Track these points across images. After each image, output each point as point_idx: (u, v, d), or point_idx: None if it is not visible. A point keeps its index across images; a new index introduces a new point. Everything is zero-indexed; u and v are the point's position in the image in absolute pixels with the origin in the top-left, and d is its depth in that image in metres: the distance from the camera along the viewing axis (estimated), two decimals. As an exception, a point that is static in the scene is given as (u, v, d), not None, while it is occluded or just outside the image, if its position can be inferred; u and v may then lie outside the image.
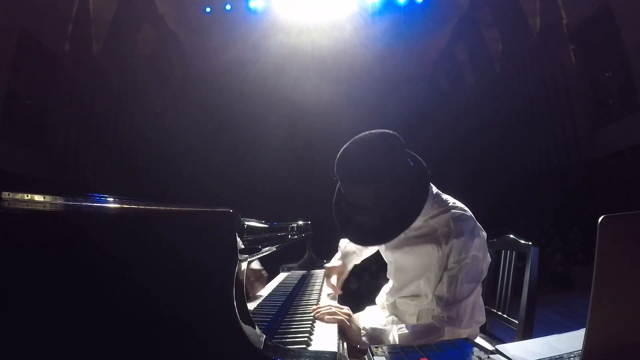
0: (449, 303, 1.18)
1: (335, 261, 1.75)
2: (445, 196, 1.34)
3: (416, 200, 1.20)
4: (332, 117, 7.85)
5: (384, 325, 1.25)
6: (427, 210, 1.27)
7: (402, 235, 1.28)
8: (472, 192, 1.40)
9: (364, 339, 1.21)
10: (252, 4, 7.67)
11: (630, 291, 0.64)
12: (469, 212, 1.27)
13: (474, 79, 9.58)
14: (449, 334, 1.16)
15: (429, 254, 1.26)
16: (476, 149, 8.60)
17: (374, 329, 1.23)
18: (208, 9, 7.89)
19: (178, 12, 8.14)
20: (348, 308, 1.27)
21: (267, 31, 7.79)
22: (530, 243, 1.53)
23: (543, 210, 7.41)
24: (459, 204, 1.31)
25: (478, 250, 1.21)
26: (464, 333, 1.19)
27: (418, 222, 1.27)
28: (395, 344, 1.17)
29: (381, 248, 1.46)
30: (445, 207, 1.28)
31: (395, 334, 1.19)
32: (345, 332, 1.18)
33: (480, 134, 8.60)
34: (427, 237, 1.27)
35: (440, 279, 1.23)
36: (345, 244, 1.77)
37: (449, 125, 8.50)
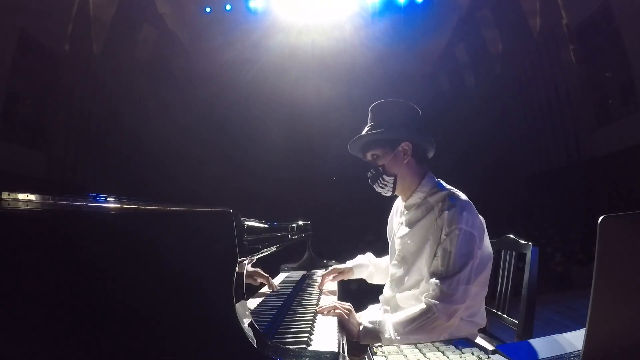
0: (441, 276, 1.21)
1: (345, 264, 1.76)
2: (448, 185, 1.41)
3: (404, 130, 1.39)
4: (332, 117, 7.85)
5: (380, 318, 1.25)
6: (427, 189, 1.38)
7: (405, 217, 1.42)
8: (472, 192, 1.41)
9: (362, 336, 1.23)
10: (252, 4, 7.68)
11: (630, 291, 0.64)
12: (466, 198, 1.33)
13: (474, 79, 9.59)
14: (442, 311, 1.17)
15: (426, 227, 1.33)
16: (476, 149, 8.61)
17: (371, 324, 1.23)
18: (208, 9, 7.90)
19: (178, 12, 8.14)
20: (350, 304, 1.29)
21: (267, 31, 7.79)
22: (530, 243, 1.53)
23: (543, 210, 7.42)
24: (459, 192, 1.37)
25: (467, 224, 1.24)
26: (458, 309, 1.19)
27: (417, 199, 1.38)
28: (393, 339, 1.18)
29: (393, 238, 1.51)
30: (444, 188, 1.37)
31: (390, 326, 1.20)
32: (344, 325, 1.21)
33: (480, 134, 8.61)
34: (426, 213, 1.35)
35: (435, 255, 1.27)
36: (360, 257, 1.79)
37: (449, 125, 8.51)
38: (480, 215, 1.32)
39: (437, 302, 1.18)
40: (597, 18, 6.48)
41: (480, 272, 1.30)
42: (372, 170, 1.41)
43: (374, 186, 1.43)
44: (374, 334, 1.22)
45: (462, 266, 1.20)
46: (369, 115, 1.45)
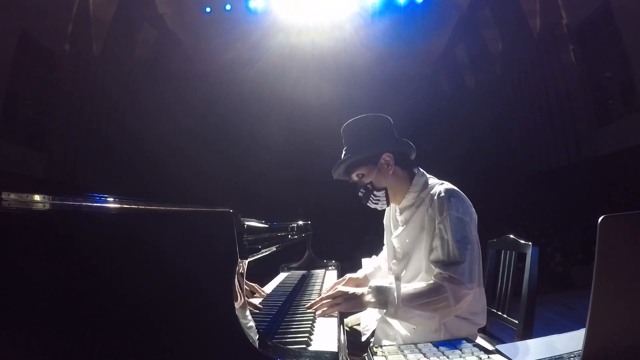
0: (445, 264, 1.22)
1: (358, 274, 1.74)
2: (437, 179, 1.44)
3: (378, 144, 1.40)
4: (332, 117, 7.83)
5: (389, 284, 1.24)
6: (418, 188, 1.41)
7: (401, 218, 1.44)
8: (472, 192, 1.43)
9: (368, 297, 1.23)
10: (252, 4, 7.67)
11: (630, 291, 0.64)
12: (455, 187, 1.36)
13: (474, 79, 9.59)
14: (451, 292, 1.17)
15: (420, 220, 1.36)
16: (476, 149, 8.61)
17: (378, 287, 1.23)
18: (208, 9, 7.89)
19: (178, 12, 8.14)
20: (336, 289, 1.32)
21: (267, 31, 7.79)
22: (530, 243, 1.53)
23: (543, 210, 7.41)
24: (448, 183, 1.40)
25: (458, 211, 1.26)
26: (467, 294, 1.19)
27: (411, 199, 1.41)
28: (397, 306, 1.18)
29: (392, 237, 1.52)
30: (436, 182, 1.41)
31: (398, 292, 1.20)
32: (348, 311, 1.25)
33: (480, 134, 8.61)
34: (420, 207, 1.39)
35: (434, 246, 1.29)
36: (367, 262, 1.79)
37: (449, 125, 8.51)
38: (472, 205, 1.34)
39: (447, 282, 1.18)
40: (597, 18, 6.48)
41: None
42: (362, 190, 1.44)
43: (368, 204, 1.45)
44: (382, 299, 1.21)
45: (462, 252, 1.22)
46: (343, 139, 1.46)
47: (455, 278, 1.18)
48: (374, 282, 1.28)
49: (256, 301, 1.36)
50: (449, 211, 1.25)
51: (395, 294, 1.20)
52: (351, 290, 1.29)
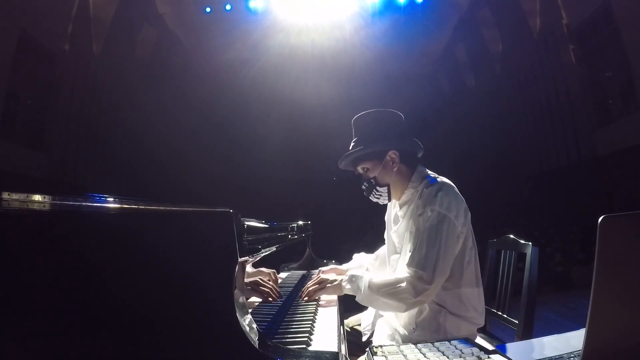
0: (411, 257, 1.29)
1: (342, 266, 1.80)
2: (434, 174, 1.48)
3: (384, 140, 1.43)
4: (332, 117, 7.84)
5: (361, 273, 1.39)
6: (417, 184, 1.44)
7: (400, 213, 1.48)
8: (472, 192, 1.44)
9: (344, 284, 1.38)
10: (252, 4, 7.66)
11: (630, 291, 0.64)
12: (452, 184, 1.40)
13: (474, 79, 9.58)
14: (410, 285, 1.24)
15: (414, 214, 1.40)
16: (476, 149, 8.61)
17: (352, 276, 1.37)
18: (208, 9, 7.88)
19: (178, 12, 8.13)
20: (320, 277, 1.46)
21: (267, 31, 7.78)
22: (530, 243, 1.53)
23: (543, 210, 7.41)
24: (442, 177, 1.45)
25: (441, 206, 1.29)
26: (427, 289, 1.24)
27: (410, 195, 1.45)
28: (363, 292, 1.32)
29: (391, 232, 1.56)
30: (428, 176, 1.45)
31: (366, 282, 1.32)
32: (329, 294, 1.40)
33: (480, 134, 8.61)
34: (413, 202, 1.43)
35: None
36: (356, 257, 1.84)
37: (448, 125, 8.50)
38: (464, 202, 1.37)
39: (409, 278, 1.26)
40: (597, 18, 6.47)
41: (469, 264, 1.34)
42: (365, 184, 1.47)
43: (370, 198, 1.49)
44: (354, 286, 1.35)
45: (430, 247, 1.26)
46: (353, 130, 1.49)
47: (416, 271, 1.25)
48: (350, 272, 1.40)
49: (257, 301, 1.38)
50: (432, 205, 1.30)
51: (364, 282, 1.32)
52: (332, 277, 1.43)
